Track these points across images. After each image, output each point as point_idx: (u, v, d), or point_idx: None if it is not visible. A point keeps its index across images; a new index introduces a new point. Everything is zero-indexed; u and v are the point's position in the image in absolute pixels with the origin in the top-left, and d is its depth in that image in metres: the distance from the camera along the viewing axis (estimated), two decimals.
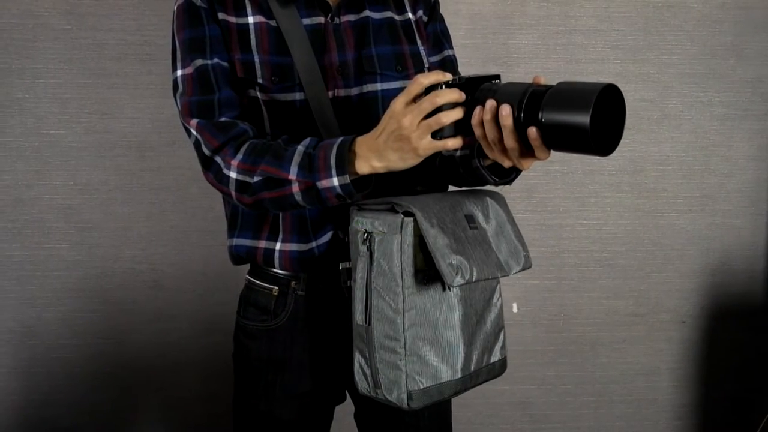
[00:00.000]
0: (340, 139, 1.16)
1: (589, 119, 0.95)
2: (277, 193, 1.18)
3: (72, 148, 2.16)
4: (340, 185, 1.14)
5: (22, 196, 2.16)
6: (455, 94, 1.07)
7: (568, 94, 0.99)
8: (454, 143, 1.10)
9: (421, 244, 1.12)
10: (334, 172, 1.14)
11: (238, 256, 1.36)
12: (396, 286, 1.12)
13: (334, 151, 1.14)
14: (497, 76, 1.12)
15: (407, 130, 1.08)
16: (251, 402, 1.37)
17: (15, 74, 2.12)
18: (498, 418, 2.41)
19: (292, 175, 1.16)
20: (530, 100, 1.03)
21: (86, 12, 2.12)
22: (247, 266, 1.40)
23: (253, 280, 1.37)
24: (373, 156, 1.13)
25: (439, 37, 1.41)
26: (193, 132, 1.23)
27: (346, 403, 1.44)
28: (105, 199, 2.19)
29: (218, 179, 1.22)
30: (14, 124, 2.13)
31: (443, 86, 1.08)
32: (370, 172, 1.15)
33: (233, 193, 1.21)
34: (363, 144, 1.14)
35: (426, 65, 1.37)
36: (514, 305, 2.36)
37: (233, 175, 1.20)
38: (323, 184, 1.15)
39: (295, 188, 1.17)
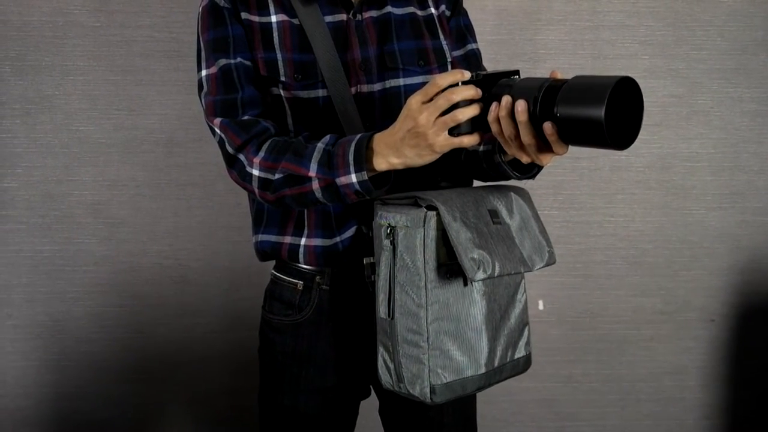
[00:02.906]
0: (359, 135, 1.17)
1: (604, 113, 0.94)
2: (298, 190, 1.19)
3: (101, 145, 2.18)
4: (359, 182, 1.15)
5: (51, 191, 2.19)
6: (471, 91, 1.07)
7: (583, 88, 0.99)
8: (470, 140, 1.10)
9: (444, 238, 1.12)
10: (352, 168, 1.14)
11: (263, 252, 1.37)
12: (419, 280, 1.13)
13: (352, 148, 1.15)
14: (516, 72, 1.11)
15: (423, 127, 1.08)
16: (276, 396, 1.38)
17: (45, 71, 2.15)
18: (523, 416, 2.41)
19: (312, 172, 1.17)
20: (546, 95, 1.02)
21: (115, 9, 2.14)
22: (273, 262, 1.41)
23: (278, 274, 1.38)
24: (391, 153, 1.13)
25: (462, 31, 1.41)
26: (217, 131, 1.25)
27: (370, 399, 1.44)
28: (133, 195, 2.21)
29: (242, 177, 1.23)
30: (44, 121, 2.16)
31: (460, 84, 1.08)
32: (388, 169, 1.15)
33: (256, 190, 1.23)
34: (381, 141, 1.14)
35: (449, 60, 1.37)
36: (540, 302, 2.35)
37: (256, 172, 1.21)
38: (342, 180, 1.15)
39: (316, 185, 1.18)
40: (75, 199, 2.20)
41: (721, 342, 2.41)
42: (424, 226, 1.12)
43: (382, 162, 1.14)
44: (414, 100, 1.09)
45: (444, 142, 1.09)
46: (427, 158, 1.12)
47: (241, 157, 1.23)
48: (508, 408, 2.39)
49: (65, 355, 2.25)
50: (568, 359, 2.39)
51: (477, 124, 1.10)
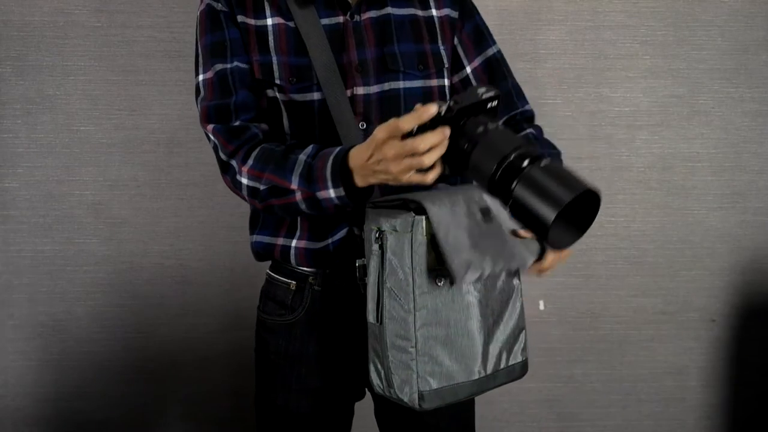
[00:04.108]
0: (336, 151, 1.16)
1: (552, 219, 0.96)
2: (283, 201, 1.21)
3: (101, 145, 2.19)
4: (337, 197, 1.16)
5: (52, 191, 2.19)
6: (438, 137, 1.03)
7: (547, 182, 0.99)
8: (433, 177, 1.08)
9: (433, 242, 1.12)
10: (330, 184, 1.15)
11: (258, 252, 1.38)
12: (407, 286, 1.12)
13: (329, 164, 1.15)
14: (496, 97, 1.08)
15: (389, 162, 1.06)
16: (270, 396, 1.39)
17: (46, 71, 2.15)
18: (524, 416, 2.40)
19: (294, 185, 1.18)
20: (511, 165, 1.02)
21: (116, 9, 2.14)
22: (270, 262, 1.41)
23: (272, 274, 1.39)
24: (367, 174, 1.12)
25: (480, 33, 1.39)
26: (211, 137, 1.27)
27: (369, 401, 1.44)
28: (134, 195, 2.21)
29: (234, 184, 1.25)
30: (45, 121, 2.17)
31: (429, 123, 1.03)
32: (369, 185, 1.15)
33: (246, 197, 1.24)
34: (355, 160, 1.13)
35: (446, 65, 1.36)
36: (541, 302, 2.34)
37: (245, 181, 1.23)
38: (322, 194, 1.16)
39: (299, 197, 1.19)
40: (76, 199, 2.20)
41: (722, 342, 2.40)
42: (411, 230, 1.12)
43: (361, 180, 1.14)
44: (380, 133, 1.06)
45: (408, 179, 1.07)
46: (398, 183, 1.10)
47: (233, 163, 1.24)
48: (508, 408, 2.39)
49: (66, 355, 2.25)
50: (569, 359, 2.39)
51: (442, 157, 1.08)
